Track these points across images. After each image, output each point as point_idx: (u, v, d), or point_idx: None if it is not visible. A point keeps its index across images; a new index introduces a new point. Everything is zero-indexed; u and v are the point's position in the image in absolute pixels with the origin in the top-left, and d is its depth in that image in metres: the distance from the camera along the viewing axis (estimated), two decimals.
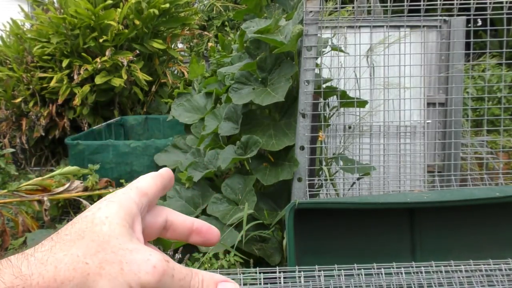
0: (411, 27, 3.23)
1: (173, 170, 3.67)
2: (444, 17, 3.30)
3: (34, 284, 0.35)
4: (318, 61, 2.94)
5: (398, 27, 3.17)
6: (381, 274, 1.97)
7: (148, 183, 0.46)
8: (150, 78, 5.80)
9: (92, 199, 3.71)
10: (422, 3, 2.59)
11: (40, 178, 3.73)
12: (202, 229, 0.48)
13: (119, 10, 5.57)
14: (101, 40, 5.45)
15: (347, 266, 1.99)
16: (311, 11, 2.57)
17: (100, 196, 3.71)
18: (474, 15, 2.61)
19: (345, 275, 1.97)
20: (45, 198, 3.39)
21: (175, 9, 6.21)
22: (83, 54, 5.48)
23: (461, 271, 1.98)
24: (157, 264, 0.37)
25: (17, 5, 6.71)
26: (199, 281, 0.40)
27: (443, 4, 2.64)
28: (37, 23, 5.79)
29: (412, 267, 1.98)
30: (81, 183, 3.73)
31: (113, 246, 0.37)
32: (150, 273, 0.37)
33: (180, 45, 8.67)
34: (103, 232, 0.38)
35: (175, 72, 6.94)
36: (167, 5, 5.79)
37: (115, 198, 0.41)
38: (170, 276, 0.38)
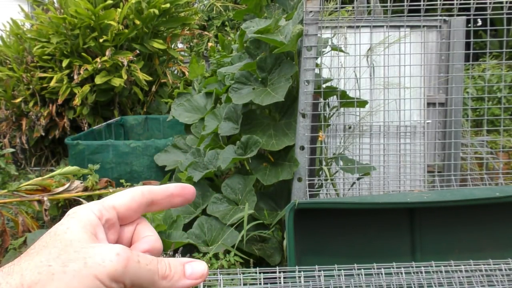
0: (411, 27, 3.23)
1: (173, 170, 3.68)
2: (444, 17, 3.30)
3: None
4: (318, 61, 2.94)
5: (398, 27, 3.17)
6: (381, 274, 1.97)
7: (121, 198, 0.45)
8: (150, 78, 5.80)
9: (92, 199, 3.71)
10: (422, 3, 2.59)
11: (40, 178, 3.73)
12: (179, 191, 0.48)
13: (119, 10, 5.58)
14: (101, 40, 5.45)
15: (347, 266, 1.99)
16: (311, 11, 2.57)
17: (100, 196, 3.72)
18: (474, 15, 2.61)
19: (345, 275, 1.97)
20: (45, 198, 3.38)
21: (175, 9, 6.21)
22: (83, 54, 5.48)
23: (461, 271, 1.98)
24: (120, 251, 0.38)
25: (17, 5, 6.71)
26: (166, 264, 0.41)
27: (443, 4, 2.64)
28: (37, 23, 5.79)
29: (412, 267, 1.98)
30: (81, 183, 3.73)
31: (76, 247, 0.38)
32: (114, 260, 0.37)
33: (180, 45, 8.67)
34: (65, 238, 0.39)
35: (175, 72, 6.94)
36: (168, 5, 5.79)
37: (75, 214, 0.42)
38: (136, 261, 0.38)
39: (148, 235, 0.46)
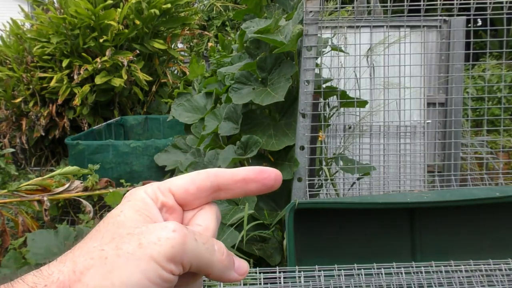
0: (411, 27, 3.23)
1: (173, 170, 3.68)
2: (444, 17, 3.30)
3: (55, 280, 0.35)
4: (318, 61, 2.94)
5: (398, 27, 3.17)
6: (381, 274, 1.97)
7: (179, 180, 0.42)
8: (150, 78, 5.80)
9: (92, 199, 3.71)
10: (422, 3, 2.59)
11: (40, 178, 3.73)
12: (255, 176, 0.43)
13: (119, 10, 5.58)
14: (101, 40, 5.45)
15: (347, 266, 1.99)
16: (311, 11, 2.57)
17: (100, 196, 3.72)
18: (474, 15, 2.61)
19: (345, 275, 1.97)
20: (45, 198, 3.38)
21: (175, 9, 6.21)
22: (83, 54, 5.48)
23: (461, 271, 1.98)
24: (176, 227, 0.35)
25: (17, 5, 6.71)
26: (221, 247, 0.39)
27: (443, 4, 2.64)
28: (37, 23, 5.79)
29: (412, 267, 1.98)
30: (81, 183, 3.73)
31: (129, 227, 0.36)
32: (171, 237, 0.35)
33: (180, 45, 8.67)
34: (117, 221, 0.37)
35: (175, 72, 6.95)
36: (169, 5, 5.80)
37: (130, 196, 0.40)
38: (193, 239, 0.36)
39: (198, 224, 0.42)
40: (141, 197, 0.40)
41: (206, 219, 0.42)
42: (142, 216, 0.38)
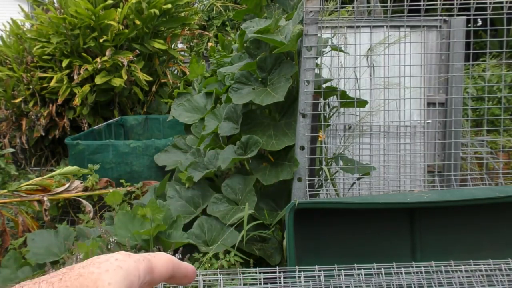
0: (411, 27, 3.23)
1: (173, 170, 3.68)
2: (444, 17, 3.30)
3: None
4: (318, 61, 2.94)
5: (398, 27, 3.17)
6: (381, 274, 1.97)
7: (161, 263, 0.44)
8: (150, 78, 5.80)
9: (92, 199, 3.71)
10: (422, 3, 2.59)
11: (40, 178, 3.73)
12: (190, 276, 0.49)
13: (119, 10, 5.57)
14: (101, 40, 5.45)
15: (347, 266, 1.99)
16: (311, 11, 2.57)
17: (100, 196, 3.72)
18: (474, 15, 2.61)
19: (345, 275, 1.97)
20: (45, 198, 3.39)
21: (175, 9, 6.21)
22: (83, 54, 5.48)
23: (461, 271, 1.98)
24: None
25: (17, 5, 6.71)
26: None
27: (443, 4, 2.64)
28: (37, 23, 5.79)
29: (412, 267, 1.98)
30: (81, 183, 3.73)
31: None
32: None
33: (180, 45, 8.67)
34: None
35: (175, 72, 6.95)
36: (169, 5, 5.79)
37: (125, 264, 0.40)
38: None
39: None
40: (131, 280, 0.40)
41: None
42: None
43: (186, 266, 0.48)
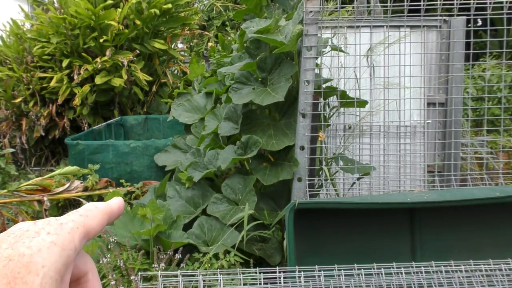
0: (411, 27, 3.23)
1: (173, 170, 3.68)
2: (444, 17, 3.30)
3: None
4: (318, 61, 2.94)
5: (398, 27, 3.17)
6: (381, 274, 1.97)
7: (96, 221, 0.41)
8: (150, 78, 5.80)
9: (92, 199, 3.71)
10: (422, 3, 2.59)
11: (40, 178, 3.73)
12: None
13: (119, 10, 5.58)
14: (101, 40, 5.45)
15: (347, 266, 1.99)
16: (311, 11, 2.57)
17: (100, 196, 3.72)
18: (474, 15, 2.61)
19: (345, 275, 1.97)
20: (45, 198, 3.39)
21: (176, 9, 6.21)
22: (83, 54, 5.48)
23: (461, 271, 1.98)
24: None
25: (17, 5, 6.71)
26: None
27: (443, 4, 2.64)
28: (37, 23, 5.79)
29: (412, 267, 1.98)
30: (81, 183, 3.74)
31: None
32: None
33: (180, 45, 8.67)
34: (34, 286, 0.34)
35: (175, 72, 6.95)
36: (169, 5, 5.79)
37: (59, 239, 0.36)
38: None
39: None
40: (68, 254, 0.37)
41: (95, 277, 0.43)
42: (57, 282, 0.35)
43: (119, 206, 0.45)
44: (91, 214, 0.41)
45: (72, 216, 0.40)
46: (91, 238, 0.41)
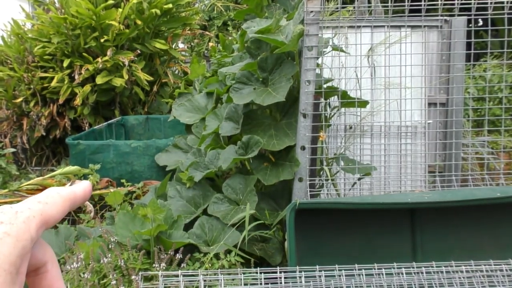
0: (412, 27, 3.23)
1: (174, 170, 3.68)
2: (445, 17, 3.30)
3: None
4: (319, 61, 2.94)
5: (399, 27, 3.17)
6: (382, 274, 1.97)
7: (56, 209, 0.39)
8: (151, 78, 5.80)
9: (93, 199, 3.71)
10: (423, 3, 2.59)
11: (41, 178, 3.73)
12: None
13: (120, 10, 5.58)
14: (102, 40, 5.45)
15: (348, 266, 1.99)
16: (312, 11, 2.57)
17: (101, 196, 3.72)
18: (475, 15, 2.61)
19: (345, 275, 1.97)
20: None
21: (176, 9, 6.21)
22: (84, 54, 5.48)
23: (462, 271, 1.98)
24: None
25: (18, 5, 6.71)
26: None
27: (444, 4, 2.64)
28: (38, 23, 5.80)
29: (413, 267, 1.98)
30: None
31: None
32: None
33: (181, 45, 8.67)
34: None
35: (176, 72, 6.95)
36: (170, 5, 5.79)
37: (13, 229, 0.35)
38: None
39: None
40: (23, 245, 0.35)
41: (55, 269, 0.42)
42: (12, 275, 0.34)
43: (84, 191, 0.43)
44: (51, 201, 0.39)
45: (29, 203, 0.38)
46: (50, 226, 0.38)
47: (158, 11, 5.66)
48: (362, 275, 1.96)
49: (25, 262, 0.36)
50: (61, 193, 0.40)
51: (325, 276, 1.95)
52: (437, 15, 3.28)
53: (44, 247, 0.40)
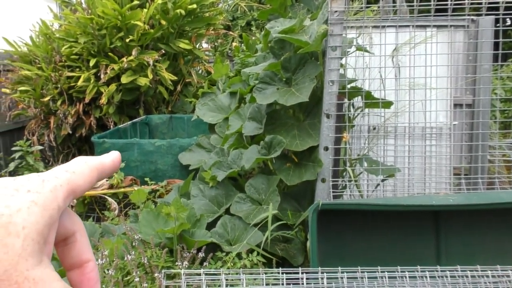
0: (438, 27, 3.18)
1: (197, 169, 3.70)
2: (472, 17, 3.24)
3: None
4: (343, 61, 2.93)
5: (425, 27, 3.13)
6: (405, 277, 1.95)
7: (83, 178, 0.38)
8: (175, 78, 5.85)
9: (117, 197, 3.76)
10: (449, 2, 2.55)
11: None
12: (87, 281, 0.41)
13: (145, 10, 5.64)
14: (127, 40, 5.52)
15: (371, 269, 1.97)
16: (336, 11, 2.56)
17: (125, 194, 3.77)
18: (503, 14, 2.56)
19: (368, 278, 1.95)
20: None
21: (200, 9, 6.24)
22: (109, 53, 5.56)
23: (487, 276, 1.95)
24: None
25: (46, 5, 6.85)
26: None
27: (471, 3, 2.60)
28: (65, 23, 5.90)
29: (437, 271, 1.96)
30: (106, 180, 3.79)
31: (20, 272, 0.31)
32: None
33: (204, 45, 8.72)
34: (14, 249, 0.32)
35: (200, 71, 6.99)
36: (194, 5, 5.82)
37: (40, 198, 0.34)
38: None
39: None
40: (50, 214, 0.34)
41: (84, 236, 0.41)
42: (39, 244, 0.33)
43: (113, 161, 0.42)
44: (78, 170, 0.38)
45: (56, 172, 0.37)
46: (77, 196, 0.38)
47: (183, 11, 5.70)
48: (385, 277, 1.95)
49: (53, 231, 0.35)
50: (89, 163, 0.40)
51: (347, 278, 1.94)
52: (463, 15, 3.23)
53: (72, 217, 0.40)
